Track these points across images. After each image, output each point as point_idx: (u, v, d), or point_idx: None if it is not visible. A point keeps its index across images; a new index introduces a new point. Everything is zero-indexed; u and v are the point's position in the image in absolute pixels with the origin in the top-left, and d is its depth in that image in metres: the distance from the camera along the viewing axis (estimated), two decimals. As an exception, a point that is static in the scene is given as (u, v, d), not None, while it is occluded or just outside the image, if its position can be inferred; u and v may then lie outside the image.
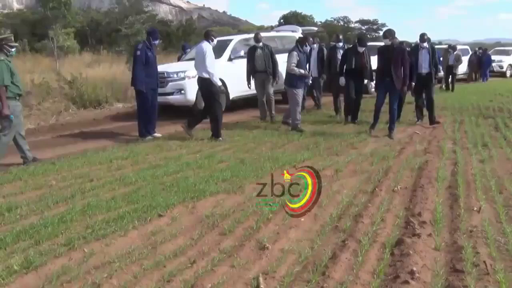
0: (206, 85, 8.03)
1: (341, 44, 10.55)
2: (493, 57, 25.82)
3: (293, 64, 8.60)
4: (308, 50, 9.69)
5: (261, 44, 9.87)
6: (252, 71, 9.99)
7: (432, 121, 9.39)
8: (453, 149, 7.14)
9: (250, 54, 9.99)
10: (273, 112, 10.16)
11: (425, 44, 9.40)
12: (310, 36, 11.87)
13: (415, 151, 7.09)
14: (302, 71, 8.76)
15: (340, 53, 10.09)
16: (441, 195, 4.94)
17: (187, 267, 3.37)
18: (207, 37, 8.12)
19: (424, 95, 9.56)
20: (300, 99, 8.93)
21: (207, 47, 7.96)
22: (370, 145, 7.55)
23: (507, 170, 5.92)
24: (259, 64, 9.84)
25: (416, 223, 4.08)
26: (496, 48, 31.65)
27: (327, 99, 11.80)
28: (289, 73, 8.84)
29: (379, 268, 3.30)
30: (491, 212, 4.44)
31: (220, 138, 8.02)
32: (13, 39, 6.91)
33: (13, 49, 6.60)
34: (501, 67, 25.57)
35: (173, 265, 3.39)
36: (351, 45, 10.27)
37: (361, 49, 9.39)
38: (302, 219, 4.27)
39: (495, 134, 8.31)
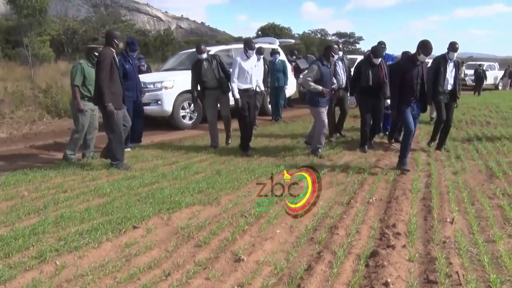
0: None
1: (340, 53, 8.98)
2: (466, 71, 26.53)
3: (309, 79, 7.38)
4: (334, 61, 8.00)
5: (205, 55, 8.04)
6: (197, 89, 8.29)
7: (441, 146, 8.17)
8: (427, 161, 7.26)
9: (195, 70, 8.16)
10: (230, 134, 8.70)
11: (454, 56, 7.89)
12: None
13: (390, 163, 7.18)
14: (319, 87, 7.33)
15: (339, 66, 8.78)
16: (415, 207, 5.01)
17: (161, 279, 3.33)
18: (244, 47, 7.81)
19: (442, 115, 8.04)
20: (326, 121, 7.67)
21: (237, 58, 7.73)
22: (345, 157, 7.61)
23: (479, 182, 6.05)
24: (209, 80, 8.06)
25: (391, 234, 4.13)
26: (469, 63, 32.52)
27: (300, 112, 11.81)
28: (311, 91, 7.61)
29: (354, 279, 3.32)
30: (464, 223, 4.52)
31: (247, 152, 7.77)
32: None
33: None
34: (473, 81, 26.18)
35: (147, 277, 3.35)
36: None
37: (377, 61, 7.91)
38: (278, 231, 4.28)
39: (468, 146, 8.47)
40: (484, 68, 26.44)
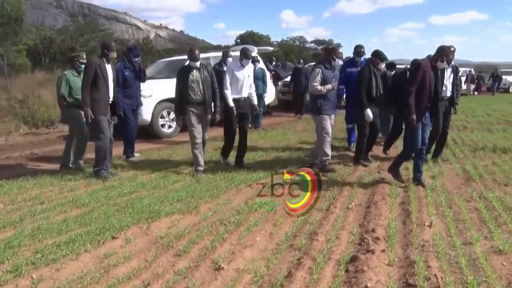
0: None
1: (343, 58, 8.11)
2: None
3: (315, 84, 6.88)
4: (339, 64, 7.28)
5: (198, 63, 6.96)
6: (184, 102, 6.96)
7: (437, 155, 7.86)
8: (405, 166, 7.31)
9: (182, 77, 6.96)
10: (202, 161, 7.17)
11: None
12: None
13: (369, 168, 7.24)
14: (329, 85, 6.88)
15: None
16: (394, 211, 5.05)
17: (140, 290, 3.29)
18: (240, 55, 7.19)
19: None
20: (329, 129, 7.04)
21: (231, 66, 7.22)
22: (325, 162, 7.63)
23: (456, 186, 6.14)
24: (195, 93, 6.92)
25: (370, 239, 4.15)
26: (444, 68, 33.04)
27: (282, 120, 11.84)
28: (313, 97, 7.09)
29: (334, 285, 3.33)
30: (442, 226, 4.58)
31: (226, 159, 7.63)
32: (84, 56, 7.42)
33: (83, 66, 7.05)
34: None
35: (126, 288, 3.31)
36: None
37: (382, 65, 7.40)
38: (258, 238, 4.28)
39: (445, 150, 8.56)
40: (460, 74, 26.75)
